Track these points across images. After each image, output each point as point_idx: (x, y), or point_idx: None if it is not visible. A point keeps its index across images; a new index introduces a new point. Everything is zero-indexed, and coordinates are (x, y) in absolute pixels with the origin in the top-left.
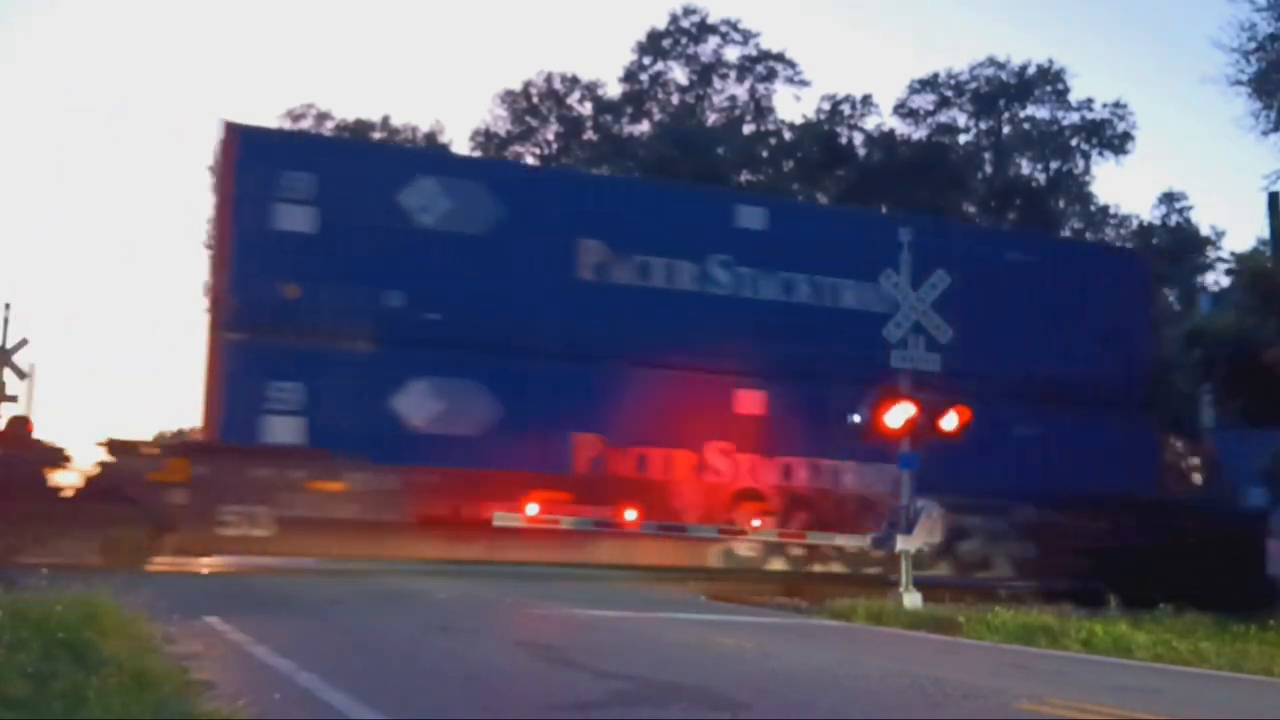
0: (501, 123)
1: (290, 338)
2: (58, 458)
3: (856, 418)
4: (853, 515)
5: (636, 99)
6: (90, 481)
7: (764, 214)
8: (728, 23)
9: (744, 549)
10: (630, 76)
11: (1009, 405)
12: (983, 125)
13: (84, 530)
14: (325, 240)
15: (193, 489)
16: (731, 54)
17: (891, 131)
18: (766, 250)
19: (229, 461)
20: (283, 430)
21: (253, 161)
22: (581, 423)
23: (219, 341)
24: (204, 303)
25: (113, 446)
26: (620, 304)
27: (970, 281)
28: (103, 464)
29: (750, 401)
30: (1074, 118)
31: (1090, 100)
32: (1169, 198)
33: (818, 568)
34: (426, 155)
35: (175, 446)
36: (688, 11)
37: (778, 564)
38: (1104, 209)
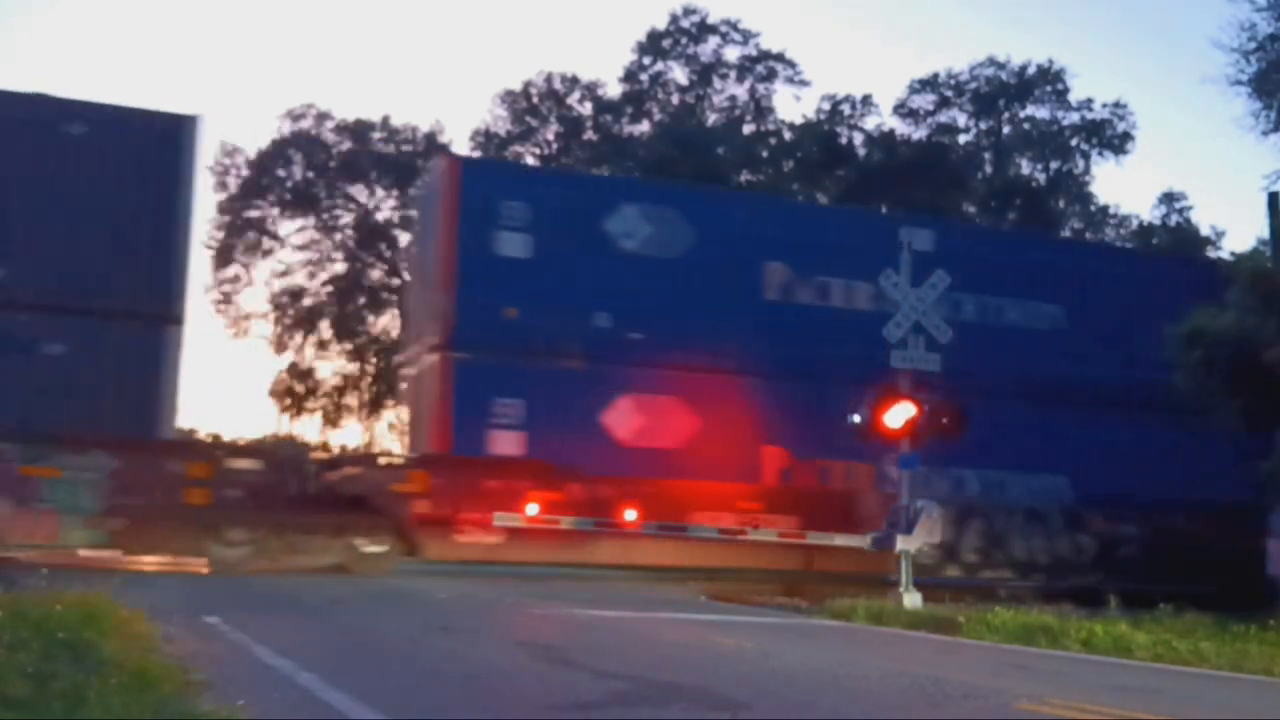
0: (501, 123)
1: (510, 357)
2: (313, 467)
3: (856, 418)
4: (1022, 524)
5: (636, 99)
6: (335, 490)
7: (932, 236)
8: (728, 23)
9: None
10: (630, 76)
11: (1144, 414)
12: (983, 125)
13: (329, 538)
14: (539, 265)
15: (432, 498)
16: (731, 54)
17: (891, 131)
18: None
19: (463, 473)
20: (505, 443)
21: (475, 191)
22: (769, 436)
23: (448, 361)
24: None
25: (361, 458)
26: (803, 323)
27: (1112, 298)
28: (349, 474)
29: None
30: (1074, 118)
31: (1090, 100)
32: (1169, 198)
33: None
34: (628, 184)
35: (415, 459)
36: (688, 11)
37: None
38: (1104, 209)
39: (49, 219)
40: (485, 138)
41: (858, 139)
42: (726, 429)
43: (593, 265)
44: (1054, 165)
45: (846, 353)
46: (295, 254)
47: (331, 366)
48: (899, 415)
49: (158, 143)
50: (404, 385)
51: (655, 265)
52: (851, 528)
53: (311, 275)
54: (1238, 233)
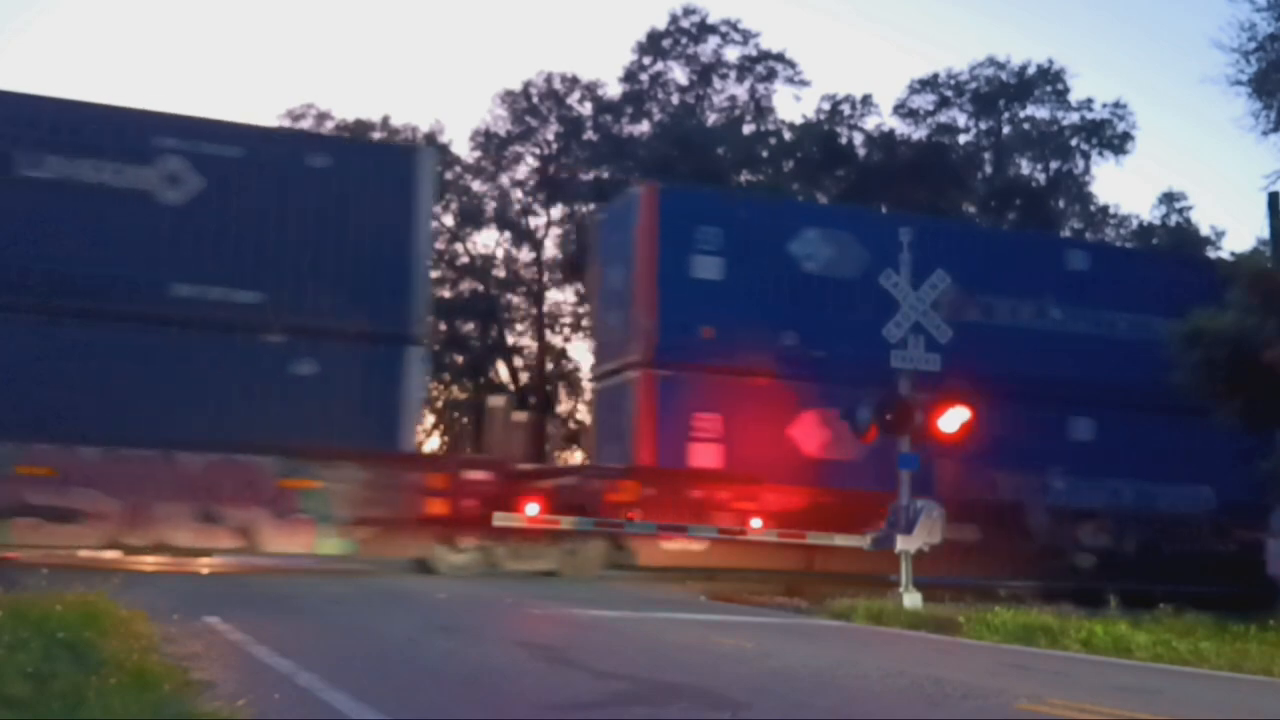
0: (501, 123)
1: (707, 374)
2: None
3: (856, 418)
4: (1171, 532)
5: (636, 99)
6: (555, 498)
7: (1087, 257)
8: (728, 23)
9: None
10: (630, 76)
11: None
12: (983, 125)
13: (547, 544)
14: (731, 286)
15: (642, 507)
16: (731, 54)
17: (891, 131)
18: (1091, 289)
19: (669, 483)
20: (704, 456)
21: (673, 218)
22: (942, 448)
23: (652, 378)
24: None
25: (580, 469)
26: (971, 340)
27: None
28: (567, 484)
29: (1081, 428)
30: (1074, 118)
31: (1090, 100)
32: (1169, 198)
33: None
34: (810, 209)
35: (626, 470)
36: (688, 11)
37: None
38: (1104, 209)
39: (297, 247)
40: (485, 138)
41: (858, 139)
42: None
43: (779, 286)
44: (1054, 165)
45: (1011, 368)
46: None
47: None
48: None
49: (392, 173)
50: (594, 399)
51: (834, 285)
52: (1023, 537)
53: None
54: (1238, 233)
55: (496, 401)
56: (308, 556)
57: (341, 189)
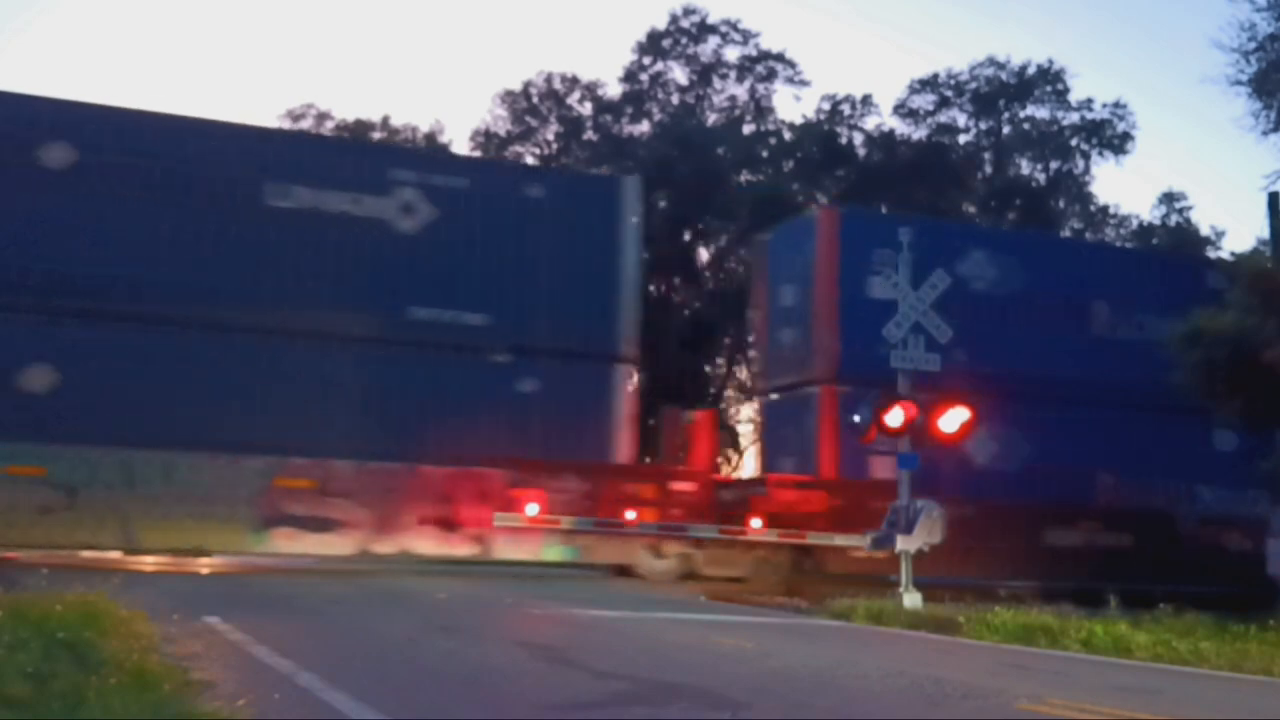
0: (501, 123)
1: (885, 389)
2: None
3: (856, 418)
4: None
5: (636, 99)
6: (754, 508)
7: (1223, 277)
8: (728, 23)
9: None
10: (630, 76)
11: None
12: (983, 125)
13: (741, 552)
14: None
15: (830, 518)
16: (731, 54)
17: (891, 131)
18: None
19: (854, 494)
20: (884, 468)
21: (851, 241)
22: (1100, 460)
23: (834, 394)
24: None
25: (772, 480)
26: (1121, 355)
27: None
28: (760, 494)
29: (1223, 439)
30: (1074, 118)
31: (1090, 100)
32: (1169, 198)
33: None
34: (977, 231)
35: (813, 482)
36: (688, 11)
37: None
38: (1104, 209)
39: (517, 272)
40: (485, 137)
41: (858, 139)
42: (1062, 453)
43: (947, 305)
44: (1054, 165)
45: (1158, 383)
46: None
47: None
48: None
49: (600, 201)
50: (763, 411)
51: (999, 304)
52: (1173, 545)
53: None
54: (1238, 233)
55: (680, 411)
56: (535, 563)
57: (555, 217)
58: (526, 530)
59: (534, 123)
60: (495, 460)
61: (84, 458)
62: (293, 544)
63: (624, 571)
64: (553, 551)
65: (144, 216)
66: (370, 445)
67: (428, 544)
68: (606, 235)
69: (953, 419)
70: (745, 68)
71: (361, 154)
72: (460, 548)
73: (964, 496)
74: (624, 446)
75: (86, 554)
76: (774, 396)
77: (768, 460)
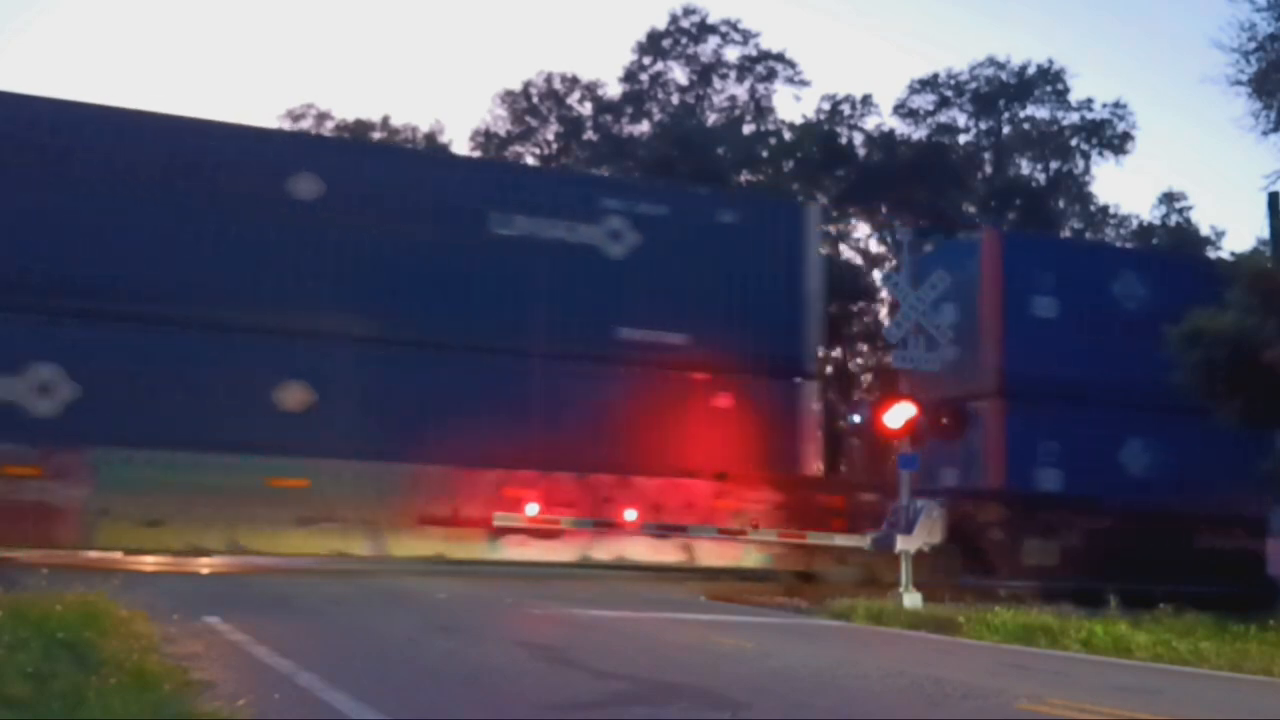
0: (501, 123)
1: (1046, 404)
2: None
3: (856, 418)
4: None
5: (636, 99)
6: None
7: None
8: (728, 23)
9: None
10: (630, 76)
11: None
12: (983, 125)
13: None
14: (1063, 324)
15: (1003, 527)
16: (731, 54)
17: (891, 131)
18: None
19: (1023, 505)
20: (1048, 479)
21: (1015, 263)
22: (1228, 466)
23: (1001, 408)
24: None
25: (951, 491)
26: None
27: None
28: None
29: None
30: (1074, 118)
31: (1090, 100)
32: (1169, 198)
33: None
34: (1129, 254)
35: (987, 493)
36: (688, 11)
37: None
38: (1104, 209)
39: (712, 292)
40: (485, 138)
41: (858, 139)
42: (1206, 466)
43: (1104, 323)
44: (1054, 165)
45: None
46: None
47: None
48: (898, 415)
49: (786, 224)
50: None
51: (1148, 321)
52: None
53: None
54: (1238, 233)
55: (846, 422)
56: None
57: (745, 240)
58: (724, 539)
59: (534, 123)
60: (697, 472)
61: (340, 471)
62: (521, 551)
63: (808, 579)
64: (753, 558)
65: (385, 244)
66: (587, 459)
67: (641, 550)
68: (792, 257)
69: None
70: (745, 68)
71: (575, 184)
72: (670, 554)
73: (1121, 507)
74: (811, 459)
75: (87, 554)
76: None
77: (924, 471)
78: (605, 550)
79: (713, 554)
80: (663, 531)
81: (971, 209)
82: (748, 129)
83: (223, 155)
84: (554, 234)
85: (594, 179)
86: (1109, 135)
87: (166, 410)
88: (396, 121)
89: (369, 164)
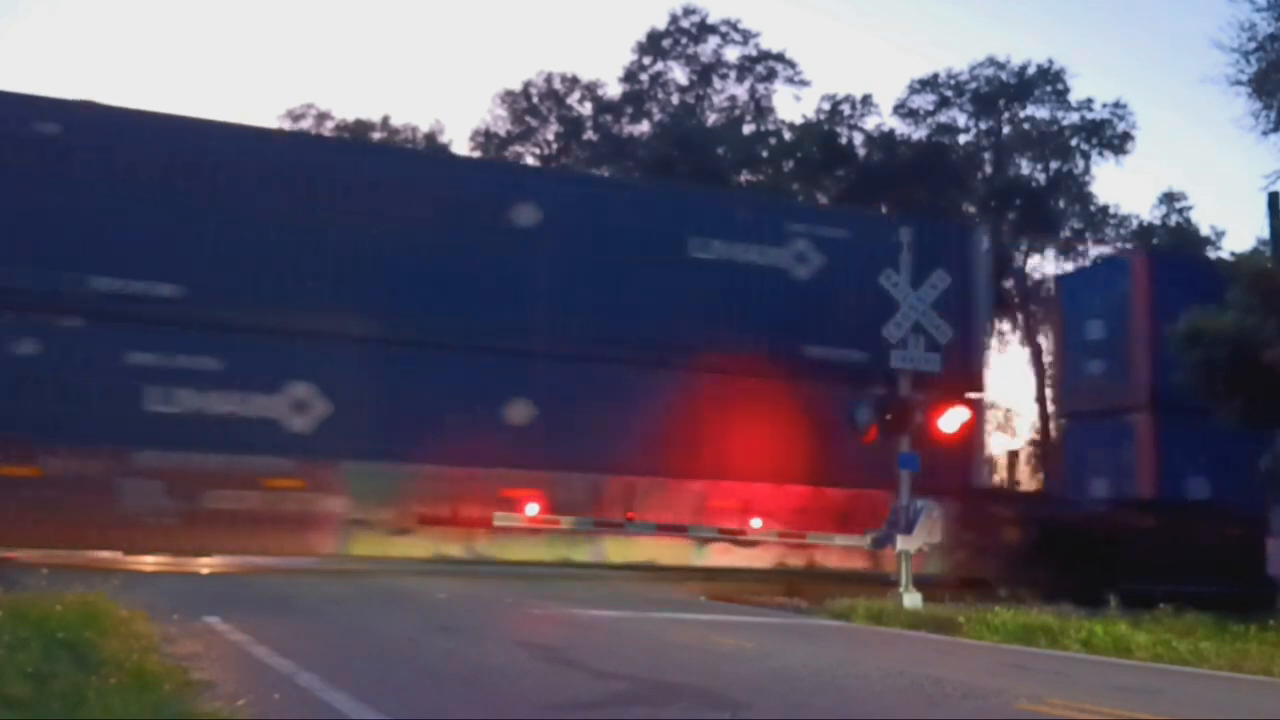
0: (501, 123)
1: (1194, 417)
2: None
3: (856, 418)
4: None
5: (636, 99)
6: (1093, 528)
7: None
8: (728, 23)
9: None
10: (630, 76)
11: None
12: (983, 125)
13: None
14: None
15: (1155, 538)
16: (731, 54)
17: (891, 131)
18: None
19: (1170, 516)
20: (1197, 488)
21: (1162, 283)
22: None
23: (1154, 422)
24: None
25: (1108, 502)
26: None
27: None
28: (1097, 515)
29: None
30: (1074, 118)
31: (1090, 100)
32: (1169, 198)
33: None
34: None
35: (1146, 503)
36: (688, 11)
37: None
38: (1104, 209)
39: (889, 312)
40: (485, 137)
41: (858, 139)
42: None
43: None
44: (1054, 165)
45: None
46: None
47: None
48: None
49: (956, 245)
50: (1064, 436)
51: None
52: None
53: None
54: (1238, 233)
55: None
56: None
57: (919, 260)
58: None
59: (534, 123)
60: (879, 483)
61: (565, 482)
62: (725, 558)
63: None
64: (930, 566)
65: (559, 263)
66: (784, 470)
67: (831, 556)
68: (962, 277)
69: (953, 419)
70: (745, 68)
71: (763, 209)
72: (855, 560)
73: (1251, 514)
74: (980, 471)
75: (87, 554)
76: (1077, 421)
77: (1070, 481)
78: (799, 557)
79: (830, 557)
80: (663, 531)
81: (971, 209)
82: (748, 129)
83: (448, 179)
84: (747, 257)
85: (781, 204)
86: (1109, 135)
87: (408, 426)
88: (396, 121)
89: (577, 191)
